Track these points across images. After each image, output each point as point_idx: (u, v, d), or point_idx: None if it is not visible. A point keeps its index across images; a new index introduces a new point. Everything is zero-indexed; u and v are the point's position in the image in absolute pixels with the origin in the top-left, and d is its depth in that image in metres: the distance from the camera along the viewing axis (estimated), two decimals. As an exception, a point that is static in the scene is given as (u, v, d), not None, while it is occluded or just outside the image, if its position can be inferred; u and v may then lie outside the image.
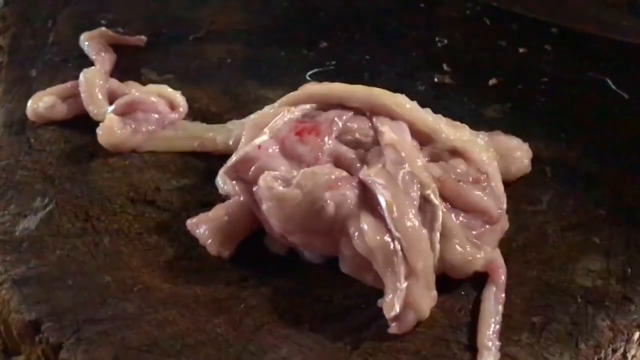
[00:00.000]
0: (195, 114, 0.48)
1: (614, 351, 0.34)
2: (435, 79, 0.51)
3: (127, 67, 0.51)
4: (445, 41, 0.54)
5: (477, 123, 0.46)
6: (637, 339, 0.35)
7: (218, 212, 0.39)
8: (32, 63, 0.52)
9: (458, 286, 0.37)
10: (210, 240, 0.39)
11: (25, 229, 0.39)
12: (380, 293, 0.35)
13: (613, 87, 0.50)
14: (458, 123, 0.42)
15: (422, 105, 0.42)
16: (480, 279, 0.37)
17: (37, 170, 0.43)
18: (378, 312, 0.35)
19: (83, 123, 0.46)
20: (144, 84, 0.49)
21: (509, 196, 0.40)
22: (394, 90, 0.42)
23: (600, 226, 0.40)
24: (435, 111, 0.42)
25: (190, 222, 0.39)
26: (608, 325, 0.35)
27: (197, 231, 0.39)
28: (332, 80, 0.45)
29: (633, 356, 0.36)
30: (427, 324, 0.35)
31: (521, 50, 0.54)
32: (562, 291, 0.36)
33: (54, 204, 0.41)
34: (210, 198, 0.41)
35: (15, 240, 0.39)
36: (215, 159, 0.43)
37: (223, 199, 0.41)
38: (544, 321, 0.35)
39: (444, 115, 0.42)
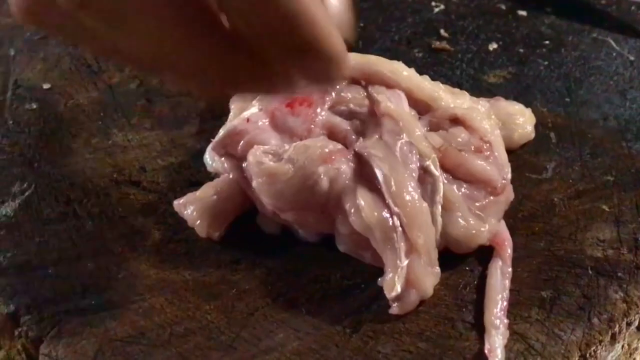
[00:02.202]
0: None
1: (629, 325, 0.32)
2: (433, 45, 0.48)
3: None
4: (442, 6, 0.52)
5: (478, 89, 0.44)
6: (653, 311, 0.34)
7: (206, 191, 0.37)
8: (11, 42, 0.50)
9: (462, 262, 0.35)
10: (199, 221, 0.36)
11: (2, 215, 0.37)
12: (380, 272, 0.33)
13: (617, 48, 0.48)
14: (458, 90, 0.40)
15: (420, 73, 0.40)
16: (485, 253, 0.35)
17: (16, 154, 0.41)
18: (378, 292, 0.33)
19: (64, 102, 0.44)
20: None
21: (513, 165, 0.38)
22: (390, 58, 0.39)
23: (608, 193, 0.38)
24: (433, 78, 0.40)
25: (177, 203, 0.37)
26: (621, 297, 0.33)
27: (185, 212, 0.37)
28: None
29: (648, 329, 0.34)
30: (431, 302, 0.33)
31: (520, 13, 0.51)
32: (572, 263, 0.34)
33: (34, 188, 0.39)
34: (198, 177, 0.39)
35: (-8, 228, 0.37)
36: (202, 136, 0.41)
37: (212, 177, 0.39)
38: (553, 295, 0.33)
39: (443, 83, 0.40)
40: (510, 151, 0.39)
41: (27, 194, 0.39)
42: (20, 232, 0.36)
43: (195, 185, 0.38)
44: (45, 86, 0.46)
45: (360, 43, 0.48)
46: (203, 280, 0.34)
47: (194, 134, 0.42)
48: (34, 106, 0.44)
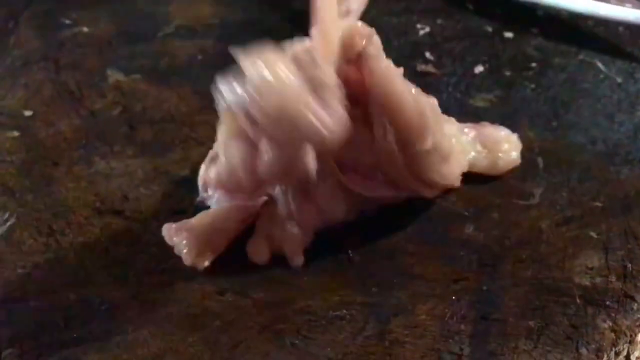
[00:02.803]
0: (164, 114, 0.45)
1: (617, 354, 0.32)
2: (418, 68, 0.48)
3: (88, 68, 0.49)
4: (428, 28, 0.52)
5: (464, 113, 0.44)
6: (642, 340, 0.33)
7: (202, 219, 0.37)
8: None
9: (448, 291, 0.34)
10: (186, 250, 0.36)
11: (-15, 245, 0.37)
12: (365, 302, 0.33)
13: (605, 70, 0.48)
14: (446, 117, 0.40)
15: None
16: (472, 281, 0.34)
17: (-2, 183, 0.41)
18: (365, 322, 0.33)
19: (46, 130, 0.44)
20: (111, 84, 0.47)
21: (499, 191, 0.38)
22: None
23: (596, 219, 0.38)
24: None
25: (169, 228, 0.36)
26: (610, 326, 0.32)
27: (174, 238, 0.36)
28: None
29: (637, 358, 0.33)
30: (417, 333, 0.32)
31: (507, 35, 0.51)
32: (560, 291, 0.34)
33: (15, 219, 0.38)
34: (182, 205, 0.39)
35: (-27, 259, 0.36)
36: (186, 163, 0.41)
37: (196, 207, 0.38)
38: (541, 325, 0.32)
39: None
40: (496, 177, 0.38)
41: (8, 224, 0.38)
42: (1, 264, 0.36)
43: (180, 213, 0.38)
44: (27, 113, 0.45)
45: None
46: (187, 312, 0.34)
47: (178, 161, 0.42)
48: (15, 134, 0.44)
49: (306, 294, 0.34)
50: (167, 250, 0.36)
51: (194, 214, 0.38)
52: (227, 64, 0.48)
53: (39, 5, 0.55)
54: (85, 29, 0.52)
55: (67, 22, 0.53)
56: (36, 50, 0.50)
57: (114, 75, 0.48)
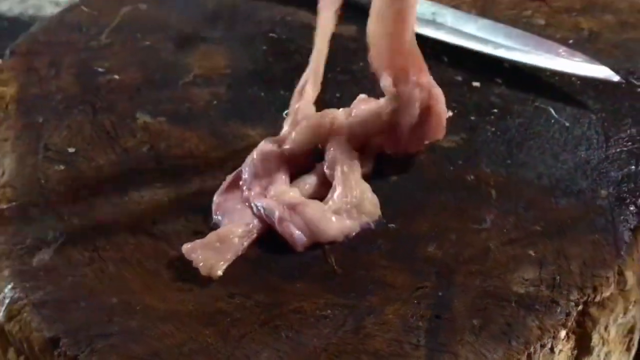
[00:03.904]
0: (185, 151, 0.54)
1: (542, 346, 0.41)
2: (398, 114, 0.57)
3: (121, 111, 0.58)
4: (408, 78, 0.61)
5: (434, 153, 0.53)
6: (564, 336, 0.42)
7: (211, 238, 0.46)
8: (39, 110, 0.58)
9: (411, 296, 0.43)
10: (202, 263, 0.45)
11: (41, 259, 0.46)
12: (345, 304, 0.42)
13: (556, 115, 0.57)
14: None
15: None
16: (436, 285, 0.43)
17: (48, 208, 0.50)
18: (344, 321, 0.42)
19: (87, 164, 0.53)
20: (140, 125, 0.56)
21: (456, 216, 0.47)
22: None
23: (535, 240, 0.46)
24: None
25: (186, 247, 0.46)
26: (537, 325, 0.41)
27: (192, 255, 0.45)
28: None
29: (560, 350, 0.42)
30: (385, 329, 0.41)
31: (474, 84, 0.60)
32: (499, 297, 0.43)
33: (65, 237, 0.47)
34: (200, 228, 0.48)
35: (32, 269, 0.45)
36: (203, 194, 0.50)
37: (211, 228, 0.47)
38: (483, 323, 0.41)
39: None
40: (453, 207, 0.47)
41: (59, 242, 0.47)
42: (56, 273, 0.45)
43: (197, 235, 0.47)
44: (71, 150, 0.54)
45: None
46: (204, 311, 0.43)
47: (196, 191, 0.51)
48: (62, 167, 0.53)
49: (298, 297, 0.43)
50: (188, 264, 0.45)
51: (208, 234, 0.47)
52: (238, 109, 0.58)
53: (76, 55, 0.64)
54: (116, 76, 0.61)
55: (101, 70, 0.62)
56: (76, 95, 0.59)
57: (142, 118, 0.57)
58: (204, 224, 0.48)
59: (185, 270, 0.45)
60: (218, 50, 0.64)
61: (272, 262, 0.46)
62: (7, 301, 0.44)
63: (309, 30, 0.65)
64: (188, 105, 0.58)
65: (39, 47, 0.65)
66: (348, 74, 0.61)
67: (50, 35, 0.67)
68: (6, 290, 0.44)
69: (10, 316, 0.43)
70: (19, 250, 0.47)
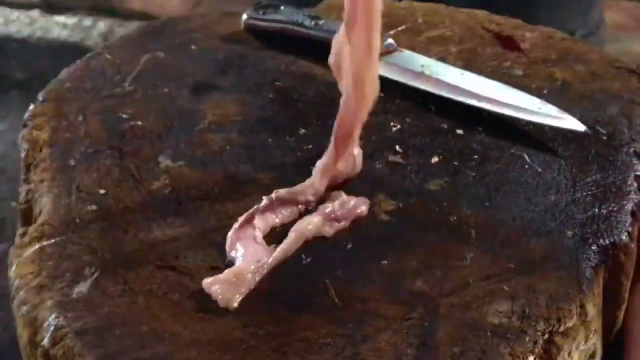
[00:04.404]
0: (202, 194, 0.61)
1: (512, 371, 0.48)
2: (390, 159, 0.64)
3: (144, 156, 0.65)
4: (399, 126, 0.68)
5: (420, 195, 0.60)
6: (532, 361, 0.49)
7: (228, 275, 0.53)
8: (71, 154, 0.65)
9: (402, 326, 0.50)
10: (220, 297, 0.52)
11: (79, 292, 0.53)
12: (344, 334, 0.49)
13: (529, 161, 0.64)
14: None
15: (377, 183, 0.56)
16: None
17: (84, 245, 0.56)
18: (343, 348, 0.49)
19: (117, 205, 0.60)
20: (162, 169, 0.63)
21: (440, 255, 0.54)
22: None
23: (509, 277, 0.53)
24: (388, 187, 0.56)
25: (205, 282, 0.53)
26: (509, 352, 0.48)
27: (212, 289, 0.52)
28: (308, 162, 0.60)
29: (529, 374, 0.49)
30: (378, 355, 0.48)
31: (458, 131, 0.67)
32: (477, 327, 0.50)
33: (99, 272, 0.54)
34: (217, 264, 0.55)
35: (72, 301, 0.52)
36: (220, 232, 0.57)
37: (227, 264, 0.54)
38: (462, 350, 0.48)
39: (395, 190, 0.57)
40: (436, 242, 0.54)
41: (95, 276, 0.54)
42: (93, 304, 0.52)
43: (216, 270, 0.54)
44: (101, 192, 0.61)
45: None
46: (222, 339, 0.50)
47: (213, 229, 0.58)
48: (94, 207, 0.60)
49: (303, 327, 0.50)
50: (208, 296, 0.52)
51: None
52: (248, 154, 0.65)
53: (102, 102, 0.71)
54: (139, 123, 0.68)
55: (125, 116, 0.69)
56: (103, 140, 0.66)
57: (165, 162, 0.64)
58: (220, 259, 0.55)
59: (206, 303, 0.52)
60: (229, 99, 0.71)
61: (280, 294, 0.53)
62: (51, 329, 0.51)
63: (310, 78, 0.72)
64: (204, 150, 0.65)
65: (67, 94, 0.72)
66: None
67: (77, 82, 0.74)
68: (50, 319, 0.51)
69: (54, 342, 0.50)
70: (60, 283, 0.54)
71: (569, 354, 0.51)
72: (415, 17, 0.84)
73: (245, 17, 0.81)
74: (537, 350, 0.49)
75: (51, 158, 0.65)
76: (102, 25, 3.10)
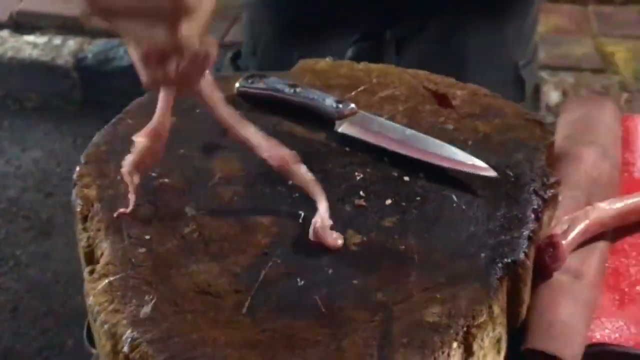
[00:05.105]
0: (221, 236, 0.84)
1: (443, 352, 0.71)
2: (355, 202, 0.88)
3: (174, 207, 0.87)
4: (361, 175, 0.91)
5: (377, 230, 0.84)
6: (456, 346, 0.72)
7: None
8: (117, 207, 0.87)
9: (369, 326, 0.74)
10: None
11: (145, 313, 0.75)
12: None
13: (457, 200, 0.88)
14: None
15: (347, 223, 0.80)
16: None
17: (141, 279, 0.79)
18: (329, 342, 0.72)
19: (160, 247, 0.82)
20: (189, 217, 0.86)
21: (394, 273, 0.78)
22: (331, 213, 0.80)
23: (441, 288, 0.77)
24: (354, 224, 0.80)
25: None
26: (439, 340, 0.72)
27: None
28: (297, 207, 0.83)
29: (454, 355, 0.73)
30: (353, 347, 0.72)
31: (405, 178, 0.91)
32: (419, 325, 0.73)
33: (156, 298, 0.77)
34: (240, 287, 0.78)
35: (141, 320, 0.75)
36: (238, 265, 0.80)
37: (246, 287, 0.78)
38: (408, 341, 0.72)
39: (360, 229, 0.81)
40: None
41: (153, 301, 0.77)
42: (155, 322, 0.74)
43: (239, 292, 0.77)
44: (147, 237, 0.83)
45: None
46: (247, 341, 0.73)
47: (233, 262, 0.80)
48: (144, 250, 0.82)
49: (303, 330, 0.74)
50: (237, 311, 0.75)
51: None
52: (252, 203, 0.88)
53: (134, 162, 0.93)
54: (166, 180, 0.91)
55: (154, 174, 0.92)
56: (141, 196, 0.89)
57: (190, 212, 0.86)
58: (242, 284, 0.78)
59: (235, 316, 0.75)
60: (232, 156, 0.94)
61: (284, 308, 0.76)
62: (129, 340, 0.73)
63: (292, 136, 0.95)
64: (218, 201, 0.88)
65: (103, 156, 0.94)
66: (321, 173, 0.91)
67: (110, 145, 0.96)
68: (127, 333, 0.74)
69: (132, 349, 0.73)
70: (129, 307, 0.76)
71: (482, 340, 0.75)
72: (370, 78, 1.08)
73: (237, 85, 1.04)
74: (459, 338, 0.73)
75: (102, 211, 0.87)
76: (72, 43, 3.25)
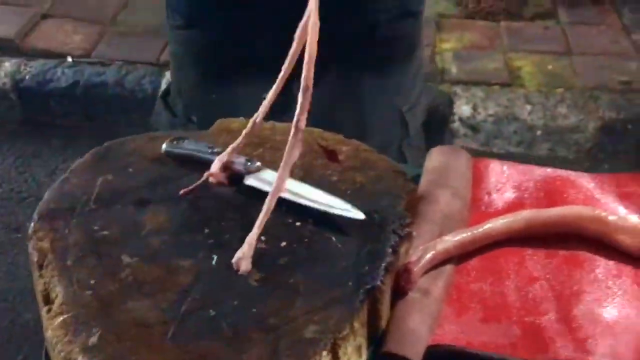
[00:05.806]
0: (153, 279, 1.07)
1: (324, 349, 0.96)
2: (258, 245, 1.12)
3: (113, 256, 1.10)
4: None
5: (276, 268, 1.08)
6: (325, 354, 0.97)
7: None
8: (67, 256, 1.10)
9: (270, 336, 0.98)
10: None
11: (92, 342, 0.98)
12: None
13: (335, 241, 1.13)
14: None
15: (252, 262, 1.05)
16: None
17: (89, 317, 1.02)
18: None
19: (104, 290, 1.06)
20: (124, 265, 1.09)
21: (285, 301, 1.03)
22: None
23: (318, 312, 1.02)
24: (257, 264, 1.05)
25: None
26: (313, 350, 0.97)
27: None
28: (212, 253, 1.08)
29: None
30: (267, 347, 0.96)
31: (297, 224, 1.15)
32: (300, 339, 0.98)
33: (102, 331, 1.00)
34: (167, 319, 1.02)
35: (89, 348, 0.98)
36: (169, 301, 1.04)
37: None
38: (292, 353, 0.97)
39: (260, 266, 1.06)
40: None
41: (99, 333, 1.00)
42: (101, 348, 0.98)
43: (165, 323, 1.01)
44: (92, 282, 1.06)
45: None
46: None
47: (163, 299, 1.04)
48: (90, 292, 1.05)
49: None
50: (168, 342, 0.99)
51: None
52: (178, 247, 1.11)
53: (77, 217, 1.16)
54: (106, 232, 1.14)
55: (96, 228, 1.15)
56: (86, 246, 1.12)
57: (125, 260, 1.10)
58: (169, 316, 1.02)
59: (163, 343, 0.99)
60: (160, 209, 1.17)
61: (198, 331, 1.00)
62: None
63: (213, 191, 1.19)
64: (148, 249, 1.11)
65: (52, 213, 1.17)
66: (231, 221, 1.15)
67: (59, 203, 1.19)
68: (79, 359, 0.97)
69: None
70: (80, 338, 0.99)
71: (346, 348, 1.00)
72: (275, 136, 1.32)
73: (164, 146, 1.28)
74: (327, 348, 0.97)
75: (55, 260, 1.10)
76: (8, 65, 3.34)
